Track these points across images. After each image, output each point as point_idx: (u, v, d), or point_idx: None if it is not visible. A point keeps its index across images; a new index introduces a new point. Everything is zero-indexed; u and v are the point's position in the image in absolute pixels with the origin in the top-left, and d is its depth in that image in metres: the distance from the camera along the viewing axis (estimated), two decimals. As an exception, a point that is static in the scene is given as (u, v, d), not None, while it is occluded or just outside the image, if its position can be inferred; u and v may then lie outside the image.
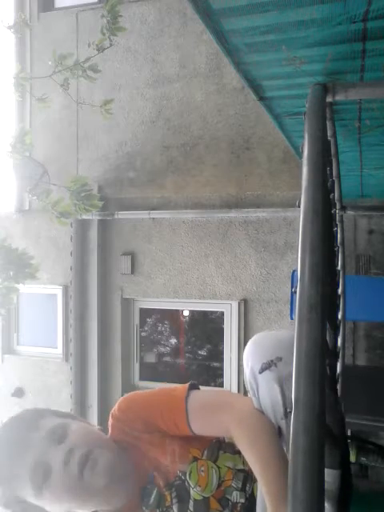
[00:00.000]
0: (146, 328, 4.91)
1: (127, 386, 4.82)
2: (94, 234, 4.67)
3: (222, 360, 4.43)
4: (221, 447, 1.01)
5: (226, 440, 1.02)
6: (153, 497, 0.98)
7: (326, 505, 0.74)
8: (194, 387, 1.05)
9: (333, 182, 1.83)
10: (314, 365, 0.51)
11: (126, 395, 1.09)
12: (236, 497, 0.97)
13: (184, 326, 4.84)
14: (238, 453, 0.97)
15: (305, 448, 0.46)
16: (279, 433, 0.89)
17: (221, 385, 4.45)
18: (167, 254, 4.43)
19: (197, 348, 4.85)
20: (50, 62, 2.77)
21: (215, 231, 4.29)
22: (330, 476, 0.72)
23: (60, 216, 2.74)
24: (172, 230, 4.41)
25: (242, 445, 0.92)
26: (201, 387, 1.09)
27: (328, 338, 0.84)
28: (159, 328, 4.97)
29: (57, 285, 4.90)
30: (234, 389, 4.26)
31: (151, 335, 4.94)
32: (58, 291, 4.96)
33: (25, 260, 2.68)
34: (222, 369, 4.43)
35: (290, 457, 0.47)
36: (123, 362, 4.77)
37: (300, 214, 0.69)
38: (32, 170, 4.65)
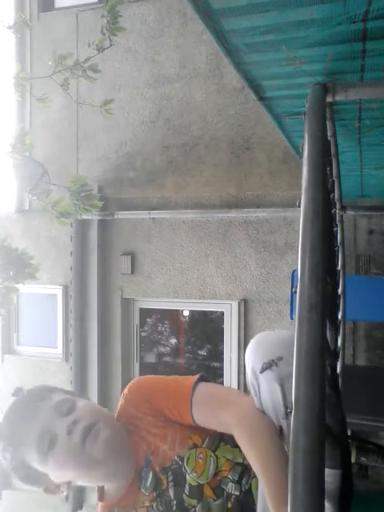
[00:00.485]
0: (146, 328, 4.91)
1: (127, 386, 4.82)
2: (94, 234, 4.67)
3: (221, 360, 4.43)
4: (222, 438, 1.02)
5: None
6: (149, 480, 1.01)
7: (327, 504, 0.74)
8: (203, 379, 1.06)
9: (333, 182, 1.83)
10: (314, 364, 0.51)
11: (138, 377, 1.14)
12: (231, 488, 0.98)
13: (184, 325, 4.85)
14: (239, 447, 0.98)
15: (305, 448, 0.46)
16: (280, 432, 0.89)
17: (221, 384, 4.45)
18: (167, 254, 4.43)
19: (197, 348, 4.85)
20: (49, 62, 2.77)
21: (215, 231, 4.29)
22: (331, 476, 0.72)
23: (60, 216, 2.74)
24: (172, 229, 4.41)
25: (242, 444, 0.92)
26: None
27: (329, 338, 0.84)
28: (159, 328, 4.97)
29: (57, 285, 4.90)
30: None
31: (151, 335, 4.94)
32: (58, 291, 4.96)
33: (25, 260, 2.68)
34: (221, 369, 4.43)
35: (290, 456, 0.47)
36: (123, 362, 4.77)
37: (300, 214, 0.69)
38: (32, 170, 4.65)
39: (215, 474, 0.98)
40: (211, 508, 0.98)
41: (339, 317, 2.35)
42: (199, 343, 4.84)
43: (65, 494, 1.06)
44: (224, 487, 0.98)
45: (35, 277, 2.75)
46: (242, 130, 4.27)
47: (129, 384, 1.11)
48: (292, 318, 3.55)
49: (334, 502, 0.74)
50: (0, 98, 4.67)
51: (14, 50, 4.99)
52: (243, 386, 4.04)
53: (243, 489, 0.97)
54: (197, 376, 1.07)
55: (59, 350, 5.01)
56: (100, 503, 1.09)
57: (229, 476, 0.98)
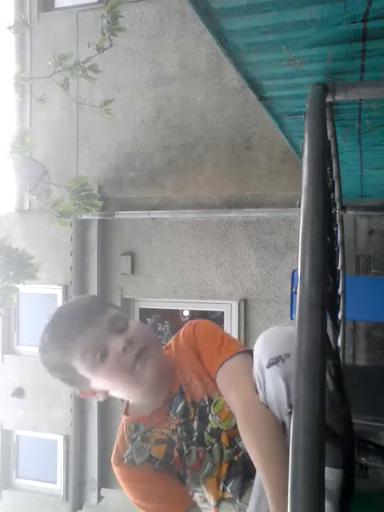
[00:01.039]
0: (146, 328, 4.90)
1: (127, 386, 4.82)
2: (93, 234, 4.67)
3: (222, 360, 4.42)
4: None
5: None
6: (180, 407, 1.09)
7: (327, 504, 0.74)
8: (249, 353, 1.08)
9: (333, 181, 1.83)
10: (314, 365, 0.51)
11: (198, 319, 1.21)
12: (242, 445, 1.03)
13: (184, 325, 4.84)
14: None
15: (305, 448, 0.46)
16: (284, 428, 0.89)
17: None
18: (167, 254, 4.43)
19: (197, 348, 4.85)
20: (49, 62, 2.77)
21: (215, 231, 4.29)
22: (332, 475, 0.72)
23: (60, 216, 2.74)
24: (172, 230, 4.41)
25: (244, 437, 0.93)
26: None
27: (331, 338, 0.84)
28: (159, 328, 4.97)
29: (57, 285, 4.90)
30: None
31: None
32: (58, 291, 4.95)
33: (25, 260, 2.68)
34: (222, 369, 4.43)
35: (290, 456, 0.47)
36: (123, 362, 4.77)
37: (300, 214, 0.69)
38: (32, 170, 4.65)
39: (234, 427, 1.02)
40: (222, 454, 1.05)
41: (339, 317, 2.35)
42: (199, 343, 4.83)
43: (100, 399, 1.12)
44: (237, 441, 1.05)
45: (35, 277, 2.75)
46: (242, 129, 4.27)
47: (189, 322, 1.18)
48: (292, 318, 3.54)
49: (334, 501, 0.74)
50: (0, 98, 4.67)
51: (14, 50, 4.99)
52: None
53: None
54: (245, 347, 1.11)
55: (59, 350, 5.00)
56: (124, 416, 1.15)
57: None
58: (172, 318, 4.86)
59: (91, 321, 1.03)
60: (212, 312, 4.62)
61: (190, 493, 1.10)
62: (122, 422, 1.16)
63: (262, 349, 0.93)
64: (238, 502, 1.05)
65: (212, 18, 1.15)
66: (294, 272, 3.68)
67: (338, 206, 2.35)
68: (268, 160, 4.18)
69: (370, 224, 3.86)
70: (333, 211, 1.71)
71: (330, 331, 0.94)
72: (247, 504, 1.01)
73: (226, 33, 1.23)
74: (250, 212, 4.13)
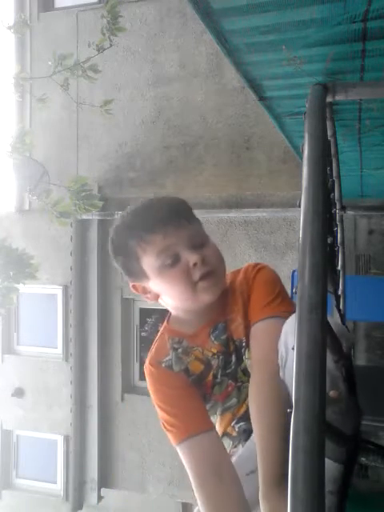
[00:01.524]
0: (146, 328, 4.91)
1: (127, 386, 4.82)
2: (93, 234, 4.67)
3: (221, 360, 4.42)
4: None
5: None
6: (223, 336, 1.09)
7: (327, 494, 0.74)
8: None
9: (333, 181, 1.83)
10: (314, 365, 0.51)
11: (265, 264, 1.18)
12: None
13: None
14: None
15: (305, 448, 0.46)
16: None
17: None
18: (167, 254, 4.42)
19: (197, 348, 4.85)
20: (49, 62, 2.77)
21: (215, 231, 4.29)
22: (334, 469, 0.72)
23: (60, 216, 2.74)
24: (172, 230, 4.41)
25: (252, 407, 0.92)
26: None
27: (343, 342, 0.84)
28: (159, 328, 4.97)
29: (57, 285, 4.90)
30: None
31: (151, 335, 4.94)
32: (58, 291, 4.95)
33: (25, 260, 2.69)
34: (221, 369, 4.43)
35: (290, 456, 0.47)
36: (123, 362, 4.77)
37: (300, 214, 0.69)
38: (32, 170, 4.65)
39: None
40: (246, 395, 1.03)
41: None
42: (199, 343, 4.83)
43: (149, 300, 1.12)
44: None
45: (35, 277, 2.75)
46: (242, 130, 4.27)
47: (254, 263, 1.16)
48: (292, 318, 3.54)
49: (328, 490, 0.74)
50: (0, 97, 4.68)
51: (14, 50, 4.99)
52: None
53: None
54: (293, 310, 1.09)
55: (59, 350, 5.01)
56: (165, 325, 1.18)
57: None
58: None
59: (177, 224, 1.02)
60: (212, 312, 4.62)
61: None
62: (162, 329, 1.19)
63: (291, 329, 0.90)
64: (240, 443, 1.07)
65: (212, 18, 1.15)
66: (294, 272, 3.68)
67: (338, 206, 2.35)
68: (268, 160, 4.18)
69: (370, 224, 3.86)
70: (333, 211, 1.71)
71: (344, 334, 0.94)
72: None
73: (226, 33, 1.23)
74: (249, 212, 4.13)
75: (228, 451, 1.08)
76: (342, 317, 2.36)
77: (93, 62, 2.86)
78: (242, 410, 1.07)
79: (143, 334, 4.88)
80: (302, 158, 0.86)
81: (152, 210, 1.06)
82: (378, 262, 3.84)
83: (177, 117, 4.48)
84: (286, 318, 1.01)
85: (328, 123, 1.47)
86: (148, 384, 1.12)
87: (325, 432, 0.47)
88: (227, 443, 1.10)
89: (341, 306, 2.33)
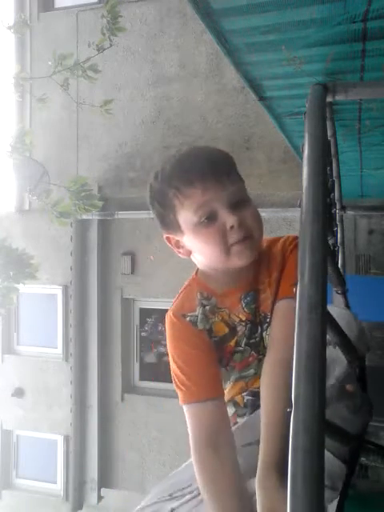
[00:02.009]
0: (146, 328, 4.91)
1: (127, 386, 4.83)
2: (93, 234, 4.67)
3: (221, 360, 4.43)
4: None
5: None
6: (253, 305, 1.05)
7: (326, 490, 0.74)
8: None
9: (333, 182, 1.83)
10: (313, 365, 0.51)
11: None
12: None
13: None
14: None
15: (305, 447, 0.46)
16: None
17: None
18: (167, 254, 4.41)
19: (197, 348, 4.85)
20: (49, 62, 2.77)
21: (215, 231, 4.29)
22: (336, 465, 0.72)
23: (60, 216, 2.74)
24: (172, 230, 4.41)
25: (262, 387, 0.91)
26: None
27: (354, 341, 0.84)
28: (159, 328, 4.97)
29: (57, 285, 4.90)
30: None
31: (151, 335, 4.94)
32: (58, 291, 4.96)
33: (25, 260, 2.69)
34: (221, 369, 4.43)
35: (290, 456, 0.47)
36: (123, 361, 4.77)
37: (300, 214, 0.69)
38: (32, 170, 4.65)
39: None
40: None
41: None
42: (199, 343, 4.83)
43: (181, 255, 1.07)
44: None
45: (35, 277, 2.76)
46: (242, 129, 4.27)
47: (296, 235, 1.07)
48: (292, 318, 3.54)
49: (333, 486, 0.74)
50: (0, 97, 4.68)
51: (14, 50, 4.99)
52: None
53: None
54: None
55: (59, 350, 5.01)
56: (194, 277, 1.10)
57: None
58: (172, 318, 4.86)
59: (219, 179, 0.97)
60: (212, 312, 4.62)
61: None
62: (191, 281, 1.12)
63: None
64: (245, 415, 1.06)
65: (212, 17, 1.15)
66: (293, 272, 3.68)
67: (338, 206, 2.35)
68: (268, 160, 4.18)
69: (370, 224, 3.86)
70: (333, 211, 1.71)
71: (356, 337, 0.93)
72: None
73: (226, 33, 1.23)
74: (249, 212, 4.13)
75: (230, 417, 1.06)
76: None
77: (93, 61, 2.86)
78: (256, 384, 1.03)
79: (143, 334, 4.88)
80: (301, 158, 0.86)
81: (193, 161, 0.99)
82: (377, 262, 3.84)
83: (177, 117, 4.48)
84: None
85: (328, 123, 1.47)
86: (167, 335, 1.09)
87: (324, 431, 0.47)
88: (232, 410, 1.08)
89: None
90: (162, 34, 4.51)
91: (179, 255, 1.08)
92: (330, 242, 1.13)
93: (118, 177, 4.68)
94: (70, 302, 4.81)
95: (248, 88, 1.65)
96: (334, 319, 0.64)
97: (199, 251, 1.03)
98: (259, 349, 1.06)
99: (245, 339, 1.06)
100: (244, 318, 1.06)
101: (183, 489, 0.99)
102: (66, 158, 4.84)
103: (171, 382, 1.08)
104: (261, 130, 4.16)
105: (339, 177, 1.99)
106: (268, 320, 1.04)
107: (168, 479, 1.05)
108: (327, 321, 0.57)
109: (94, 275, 4.69)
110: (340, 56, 1.30)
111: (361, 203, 3.67)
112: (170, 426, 4.38)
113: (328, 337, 0.58)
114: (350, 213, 3.60)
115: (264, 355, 1.01)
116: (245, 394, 1.08)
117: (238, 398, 1.09)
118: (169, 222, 1.02)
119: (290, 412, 0.49)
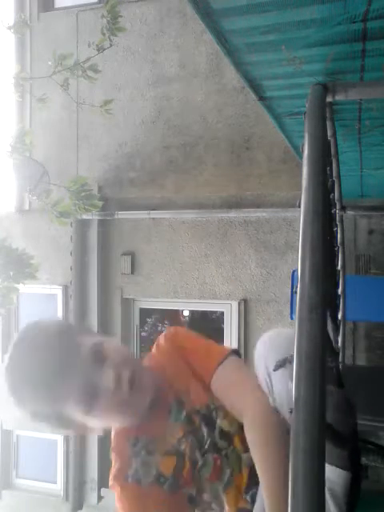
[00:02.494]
0: (146, 328, 4.91)
1: (127, 386, 4.82)
2: (93, 234, 4.67)
3: (221, 360, 4.42)
4: None
5: None
6: (183, 415, 0.99)
7: (331, 504, 0.74)
8: (237, 353, 1.04)
9: (333, 181, 1.83)
10: (314, 365, 0.51)
11: (174, 327, 1.12)
12: None
13: (184, 325, 4.84)
14: None
15: (305, 448, 0.46)
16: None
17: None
18: (167, 254, 4.43)
19: (197, 348, 4.84)
20: (49, 62, 2.77)
21: (215, 231, 4.29)
22: (339, 477, 0.72)
23: (60, 216, 2.74)
24: (172, 230, 4.41)
25: (250, 442, 0.90)
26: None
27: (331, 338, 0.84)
28: (159, 328, 4.97)
29: (57, 285, 4.90)
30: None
31: (151, 335, 4.94)
32: (58, 291, 4.95)
33: (25, 260, 2.69)
34: (222, 369, 4.42)
35: (290, 456, 0.47)
36: (123, 362, 4.76)
37: (300, 214, 0.69)
38: (32, 170, 4.65)
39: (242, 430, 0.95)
40: (240, 459, 0.95)
41: (339, 317, 2.35)
42: (199, 343, 4.83)
43: (98, 434, 1.04)
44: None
45: (35, 277, 2.75)
46: (242, 129, 4.27)
47: (164, 333, 1.08)
48: (292, 318, 3.55)
49: (339, 502, 0.73)
50: (0, 97, 4.68)
51: (14, 50, 4.99)
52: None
53: None
54: (231, 348, 1.05)
55: (59, 350, 5.00)
56: (116, 429, 1.05)
57: None
58: (172, 318, 4.86)
59: (70, 362, 0.90)
60: (212, 312, 4.62)
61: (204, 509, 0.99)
62: (114, 435, 1.04)
63: (266, 352, 0.90)
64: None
65: (212, 18, 1.15)
66: (294, 272, 3.68)
67: (338, 206, 2.35)
68: (268, 160, 4.18)
69: (370, 224, 3.86)
70: (333, 211, 1.71)
71: (331, 333, 0.93)
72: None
73: (226, 33, 1.23)
74: (249, 212, 4.13)
75: None
76: (342, 317, 2.36)
77: (93, 61, 2.86)
78: (246, 477, 0.95)
79: (143, 334, 4.88)
80: (301, 158, 0.86)
81: (40, 363, 0.92)
82: (377, 262, 3.84)
83: (177, 117, 4.48)
84: (232, 356, 1.00)
85: (328, 123, 1.47)
86: (121, 508, 0.98)
87: (325, 432, 0.47)
88: None
89: (341, 306, 2.33)
90: (162, 34, 4.51)
91: (98, 434, 1.04)
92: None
93: (117, 177, 4.68)
94: (69, 302, 4.80)
95: (248, 88, 1.65)
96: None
97: (107, 422, 0.99)
98: (217, 446, 0.96)
99: (197, 451, 0.97)
100: (181, 434, 0.98)
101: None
102: (66, 158, 4.84)
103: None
104: (261, 130, 4.16)
105: (339, 177, 1.99)
106: (212, 407, 0.98)
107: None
108: (326, 320, 0.57)
109: (94, 275, 4.68)
110: (340, 56, 1.30)
111: (361, 203, 3.67)
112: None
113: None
114: (350, 213, 3.60)
115: (226, 448, 0.96)
116: (244, 493, 0.98)
117: (241, 504, 0.99)
118: (68, 424, 0.98)
119: (291, 413, 0.49)
